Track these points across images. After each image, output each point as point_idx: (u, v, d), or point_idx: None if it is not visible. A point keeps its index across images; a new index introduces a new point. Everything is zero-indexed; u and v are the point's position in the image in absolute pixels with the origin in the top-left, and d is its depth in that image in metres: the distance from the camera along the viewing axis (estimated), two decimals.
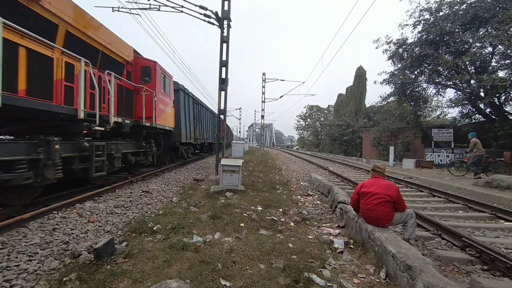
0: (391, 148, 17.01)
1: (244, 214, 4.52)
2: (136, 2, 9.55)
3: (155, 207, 5.28)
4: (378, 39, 16.82)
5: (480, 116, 15.68)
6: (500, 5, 12.84)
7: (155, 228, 3.78)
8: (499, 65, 13.17)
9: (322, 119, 50.36)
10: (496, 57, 13.63)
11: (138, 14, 10.40)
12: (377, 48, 17.04)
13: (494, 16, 12.66)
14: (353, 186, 7.69)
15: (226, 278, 2.43)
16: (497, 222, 4.62)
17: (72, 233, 3.54)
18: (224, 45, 8.83)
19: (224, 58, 8.84)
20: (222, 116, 9.46)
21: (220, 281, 2.38)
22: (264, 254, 2.95)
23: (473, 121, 16.40)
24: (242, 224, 4.01)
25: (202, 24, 9.54)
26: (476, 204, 5.53)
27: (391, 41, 16.36)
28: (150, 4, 9.44)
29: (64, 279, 2.41)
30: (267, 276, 2.48)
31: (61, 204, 4.48)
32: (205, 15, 9.00)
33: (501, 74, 12.83)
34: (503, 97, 13.74)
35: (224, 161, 6.61)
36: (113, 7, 10.24)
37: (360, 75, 34.76)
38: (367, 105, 34.31)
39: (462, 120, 17.00)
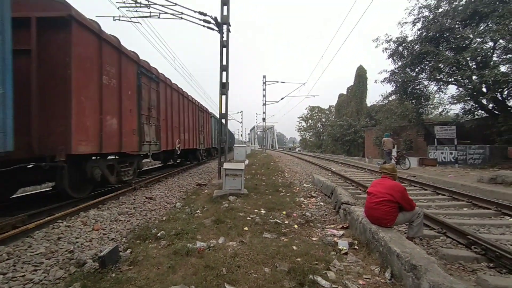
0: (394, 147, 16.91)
1: (248, 218, 4.52)
2: (136, 11, 9.67)
3: (158, 213, 5.30)
4: (377, 38, 16.83)
5: (483, 112, 15.56)
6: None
7: (159, 235, 3.79)
8: (500, 59, 13.08)
9: (323, 119, 50.33)
10: (497, 52, 13.55)
11: (139, 22, 10.54)
12: (376, 47, 17.05)
13: (494, 10, 12.60)
14: (356, 187, 7.66)
15: (231, 283, 2.44)
16: (502, 219, 4.57)
17: (77, 242, 3.57)
18: (224, 49, 8.90)
19: (224, 62, 8.91)
20: (223, 120, 9.52)
21: (225, 286, 2.38)
22: (269, 258, 2.95)
23: (476, 117, 16.27)
24: (246, 228, 4.01)
25: (202, 30, 9.60)
26: (481, 201, 5.48)
27: (391, 39, 16.37)
28: (150, 12, 9.57)
29: None
30: (272, 279, 2.47)
31: (66, 212, 4.51)
32: (204, 20, 9.09)
33: (503, 68, 12.74)
34: (505, 92, 13.64)
35: (226, 165, 6.63)
36: (114, 17, 10.38)
37: (361, 75, 34.75)
38: (369, 104, 34.21)
39: (465, 117, 16.87)
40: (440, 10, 14.46)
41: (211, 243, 3.44)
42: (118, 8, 9.58)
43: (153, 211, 5.42)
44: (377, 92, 39.66)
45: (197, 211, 5.18)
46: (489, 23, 13.09)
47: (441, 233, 3.70)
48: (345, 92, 38.59)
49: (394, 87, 16.83)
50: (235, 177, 6.35)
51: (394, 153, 14.02)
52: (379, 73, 18.18)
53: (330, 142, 36.45)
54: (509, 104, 14.01)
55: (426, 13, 14.97)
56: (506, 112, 13.54)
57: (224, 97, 9.02)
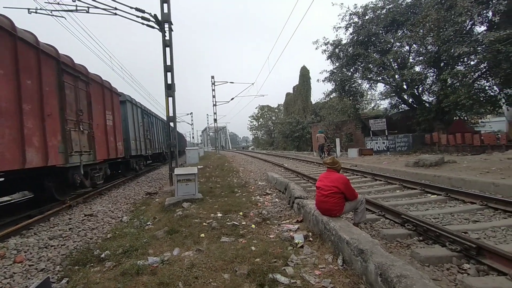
0: (337, 140, 18.48)
1: (204, 224, 4.36)
2: (58, 3, 8.43)
3: (101, 231, 4.73)
4: (317, 41, 18.11)
5: (405, 106, 18.11)
6: (411, 10, 15.05)
7: (103, 256, 3.37)
8: (415, 61, 15.42)
9: (273, 118, 52.07)
10: (412, 55, 15.93)
11: (63, 17, 9.21)
12: (316, 49, 18.35)
13: (407, 19, 14.78)
14: (307, 180, 8.10)
15: None
16: (426, 196, 5.38)
17: None
18: (168, 49, 8.43)
19: (168, 62, 8.44)
20: (172, 124, 9.02)
21: None
22: (228, 263, 2.88)
23: (400, 110, 18.87)
24: (202, 235, 3.86)
25: (143, 28, 8.80)
26: (409, 183, 6.36)
27: (328, 42, 17.79)
28: (76, 6, 8.44)
29: None
30: (232, 285, 2.41)
31: None
32: (143, 18, 8.45)
33: (417, 69, 15.03)
34: (420, 88, 16.13)
35: (178, 171, 6.29)
36: (29, 9, 8.86)
37: (304, 74, 36.97)
38: (313, 102, 36.70)
39: (392, 110, 19.41)
40: (367, 17, 16.30)
41: (164, 256, 3.20)
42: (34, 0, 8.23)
43: (94, 230, 4.81)
44: (320, 90, 42.85)
45: (148, 223, 4.79)
46: (404, 30, 15.30)
47: (381, 215, 4.16)
48: (291, 91, 40.59)
49: (334, 85, 18.35)
50: (188, 182, 6.07)
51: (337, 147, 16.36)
52: (320, 73, 19.64)
53: (281, 139, 37.93)
54: (424, 99, 16.62)
55: (356, 19, 16.71)
56: (422, 106, 16.03)
57: (170, 99, 8.55)
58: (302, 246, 3.25)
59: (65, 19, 9.44)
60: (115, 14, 8.48)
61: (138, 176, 12.33)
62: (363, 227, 3.77)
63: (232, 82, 27.93)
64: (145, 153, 13.87)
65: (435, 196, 5.23)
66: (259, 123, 55.58)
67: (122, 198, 7.60)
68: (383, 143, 16.36)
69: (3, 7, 8.99)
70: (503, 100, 12.91)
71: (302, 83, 37.15)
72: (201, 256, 3.14)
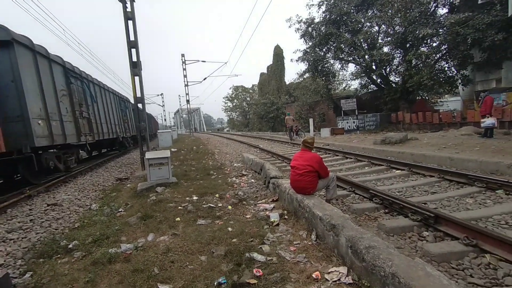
0: (310, 120, 18.91)
1: (179, 207, 4.29)
2: None
3: (68, 221, 4.45)
4: (290, 18, 17.79)
5: (374, 86, 18.86)
6: None
7: (70, 246, 3.19)
8: (383, 42, 15.88)
9: (248, 99, 51.49)
10: (381, 35, 16.35)
11: None
12: (290, 27, 18.06)
13: None
14: (282, 160, 8.25)
15: (165, 282, 2.27)
16: (391, 172, 5.77)
17: None
18: (130, 22, 7.70)
19: (132, 38, 7.75)
20: (140, 105, 8.49)
21: (158, 286, 2.20)
22: (204, 245, 2.88)
23: (370, 90, 19.63)
24: (178, 219, 3.79)
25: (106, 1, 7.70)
26: (377, 159, 6.76)
27: (301, 20, 17.53)
28: None
29: None
30: (209, 267, 2.42)
31: None
32: None
33: (385, 49, 15.53)
34: (388, 69, 16.80)
35: (149, 155, 6.02)
36: None
37: (278, 54, 36.52)
38: (287, 82, 36.73)
39: (361, 90, 20.13)
40: None
41: (138, 243, 3.11)
42: None
43: (60, 220, 4.52)
44: (294, 70, 42.78)
45: (120, 210, 4.61)
46: (374, 10, 15.52)
47: (351, 191, 4.39)
48: (266, 71, 40.09)
49: (307, 65, 18.43)
50: (160, 166, 5.85)
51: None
52: (294, 52, 19.48)
53: (256, 120, 37.92)
54: (391, 79, 17.40)
55: None
56: (389, 86, 16.79)
57: (137, 78, 7.97)
58: (277, 224, 3.34)
59: None
60: None
61: (107, 162, 11.67)
62: (335, 203, 3.96)
63: (204, 61, 26.69)
64: (76, 141, 8.86)
65: (400, 171, 5.63)
66: (234, 104, 54.72)
67: (89, 185, 7.17)
68: (354, 122, 17.08)
69: None
70: (460, 81, 13.97)
71: (276, 62, 36.77)
72: (177, 240, 3.09)
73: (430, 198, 3.83)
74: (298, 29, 17.86)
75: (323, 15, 16.86)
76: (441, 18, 12.51)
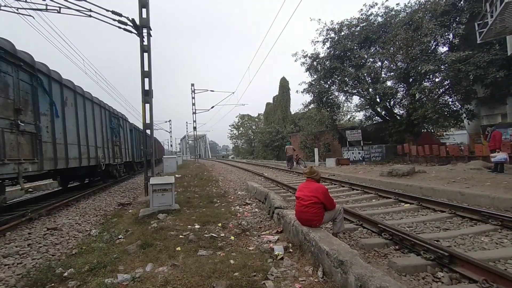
0: (315, 150, 18.91)
1: (180, 236, 4.16)
2: (26, 1, 7.92)
3: (66, 247, 4.33)
4: (296, 53, 18.70)
5: (378, 118, 19.07)
6: (383, 29, 16.10)
7: (66, 274, 3.07)
8: (387, 76, 16.40)
9: (253, 127, 52.34)
10: (384, 70, 16.94)
11: (31, 16, 8.63)
12: (295, 61, 18.91)
13: (379, 37, 15.78)
14: (287, 189, 8.11)
15: None
16: (400, 205, 5.58)
17: None
18: (145, 54, 8.19)
19: (146, 68, 8.18)
20: (149, 131, 8.69)
21: None
22: (205, 278, 2.73)
23: (374, 122, 19.82)
24: (178, 248, 3.66)
25: (120, 32, 8.41)
26: (384, 192, 6.59)
27: (307, 55, 18.42)
28: (46, 5, 7.98)
29: None
30: None
31: None
32: (120, 21, 8.17)
33: (389, 83, 15.98)
34: (392, 102, 17.11)
35: (153, 180, 6.01)
36: None
37: (284, 85, 37.83)
38: (293, 112, 37.51)
39: (366, 122, 20.35)
40: (342, 33, 17.19)
41: (136, 273, 2.97)
42: None
43: (58, 245, 4.40)
44: (299, 100, 44.00)
45: (119, 237, 4.48)
46: (376, 47, 16.30)
47: (359, 225, 4.23)
48: (271, 101, 41.22)
49: (312, 97, 18.93)
50: (164, 192, 5.80)
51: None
52: (299, 84, 20.14)
53: (261, 148, 38.11)
54: (395, 111, 17.64)
55: (332, 35, 17.54)
56: (394, 118, 16.97)
57: (147, 105, 8.26)
58: (282, 258, 3.18)
59: (34, 18, 8.89)
60: (90, 16, 8.12)
61: (111, 186, 11.64)
62: (342, 237, 3.80)
63: (213, 91, 27.73)
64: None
65: (408, 205, 5.45)
66: (239, 132, 55.57)
67: (91, 209, 7.08)
68: (359, 153, 16.99)
69: None
70: (464, 115, 14.06)
71: (281, 93, 37.93)
72: (176, 271, 2.95)
73: (443, 235, 3.65)
74: (303, 63, 18.69)
75: (328, 50, 17.72)
76: (442, 55, 13.00)
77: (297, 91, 19.90)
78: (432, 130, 17.30)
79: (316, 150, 18.95)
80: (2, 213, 5.98)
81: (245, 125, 54.52)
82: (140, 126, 12.70)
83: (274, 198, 5.39)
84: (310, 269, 2.83)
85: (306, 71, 18.85)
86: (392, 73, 15.71)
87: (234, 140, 58.80)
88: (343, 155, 17.97)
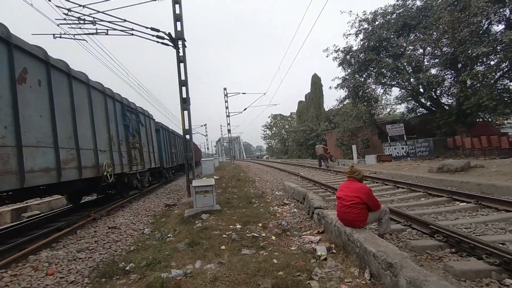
0: (354, 147, 18.10)
1: (224, 235, 4.36)
2: (80, 28, 9.00)
3: (125, 244, 4.83)
4: (327, 48, 18.17)
5: (423, 109, 17.58)
6: (423, 14, 14.83)
7: (127, 268, 3.44)
8: (430, 64, 15.06)
9: (286, 126, 51.98)
10: (427, 57, 15.58)
11: (84, 40, 9.79)
12: (327, 56, 18.38)
13: (419, 22, 14.55)
14: (325, 189, 7.94)
15: None
16: (454, 204, 5.11)
17: None
18: (182, 64, 8.73)
19: (183, 77, 8.71)
20: (188, 136, 9.22)
21: None
22: (250, 276, 2.85)
23: (418, 114, 18.31)
24: (223, 247, 3.85)
25: (158, 46, 9.21)
26: (434, 190, 6.07)
27: (339, 49, 17.79)
28: (96, 29, 8.98)
29: None
30: None
31: (9, 259, 3.85)
32: (158, 36, 8.83)
33: (433, 71, 14.66)
34: (438, 91, 15.64)
35: (195, 182, 6.37)
36: (54, 34, 9.51)
37: (316, 82, 36.91)
38: (326, 109, 36.41)
39: (409, 114, 18.88)
40: (377, 23, 16.22)
41: (187, 269, 3.21)
42: (58, 25, 8.82)
43: (118, 242, 4.93)
44: (333, 96, 42.59)
45: (169, 235, 4.85)
46: (416, 33, 15.05)
47: (407, 225, 3.98)
48: (303, 99, 40.50)
49: (347, 92, 18.20)
50: (205, 193, 6.12)
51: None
52: (332, 79, 19.55)
53: (296, 147, 37.65)
54: (443, 101, 16.08)
55: (366, 26, 16.65)
56: (441, 109, 15.49)
57: (186, 112, 8.78)
58: (325, 259, 3.16)
59: (87, 41, 10.04)
60: (132, 34, 8.93)
61: (157, 189, 12.58)
62: (388, 238, 3.63)
63: (244, 93, 28.29)
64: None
65: (465, 204, 4.96)
66: (273, 132, 55.63)
67: (142, 210, 7.76)
68: (402, 148, 15.86)
69: (32, 34, 9.74)
70: None
71: (314, 90, 37.06)
72: (223, 269, 3.12)
73: (510, 238, 3.27)
74: (336, 57, 18.09)
75: (361, 42, 16.89)
76: (497, 35, 11.50)
77: (330, 87, 19.34)
78: (490, 119, 15.40)
79: (354, 147, 18.13)
80: (71, 214, 6.88)
81: (278, 125, 54.41)
82: (180, 132, 13.02)
83: (313, 198, 5.34)
84: (356, 271, 2.77)
85: (339, 66, 18.22)
86: (437, 60, 14.36)
87: (267, 140, 59.08)
88: (384, 151, 16.91)
